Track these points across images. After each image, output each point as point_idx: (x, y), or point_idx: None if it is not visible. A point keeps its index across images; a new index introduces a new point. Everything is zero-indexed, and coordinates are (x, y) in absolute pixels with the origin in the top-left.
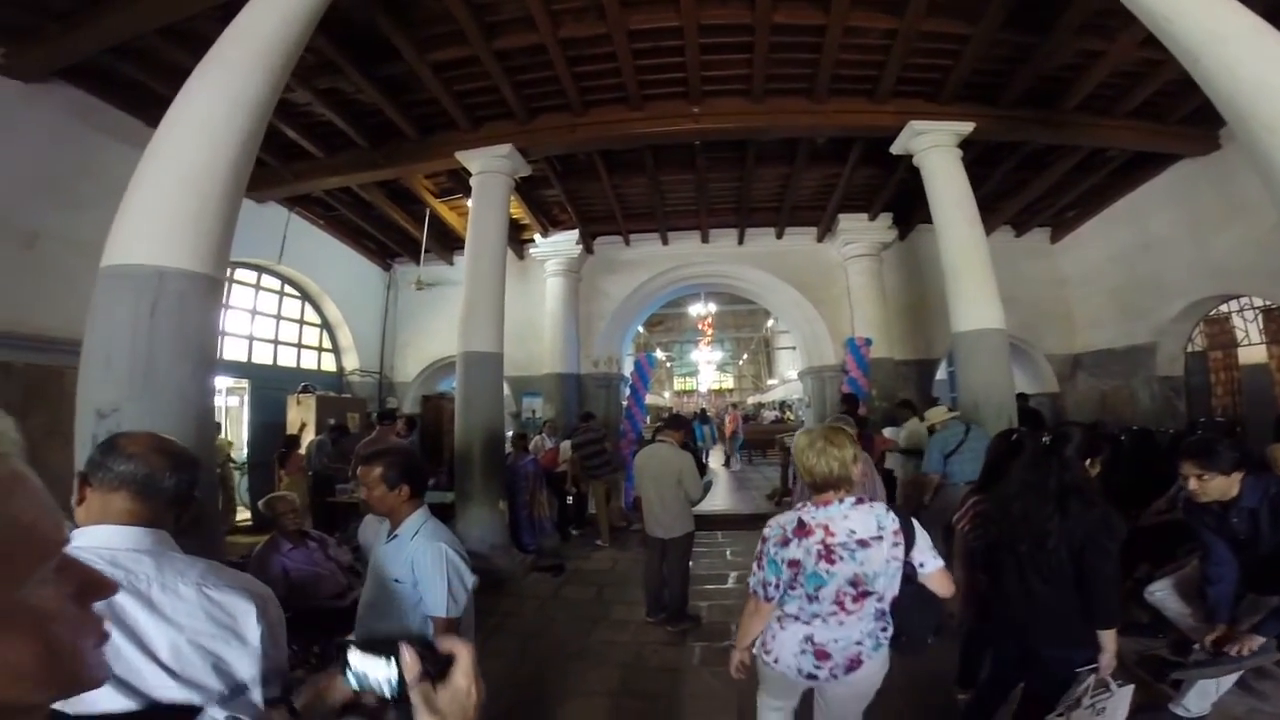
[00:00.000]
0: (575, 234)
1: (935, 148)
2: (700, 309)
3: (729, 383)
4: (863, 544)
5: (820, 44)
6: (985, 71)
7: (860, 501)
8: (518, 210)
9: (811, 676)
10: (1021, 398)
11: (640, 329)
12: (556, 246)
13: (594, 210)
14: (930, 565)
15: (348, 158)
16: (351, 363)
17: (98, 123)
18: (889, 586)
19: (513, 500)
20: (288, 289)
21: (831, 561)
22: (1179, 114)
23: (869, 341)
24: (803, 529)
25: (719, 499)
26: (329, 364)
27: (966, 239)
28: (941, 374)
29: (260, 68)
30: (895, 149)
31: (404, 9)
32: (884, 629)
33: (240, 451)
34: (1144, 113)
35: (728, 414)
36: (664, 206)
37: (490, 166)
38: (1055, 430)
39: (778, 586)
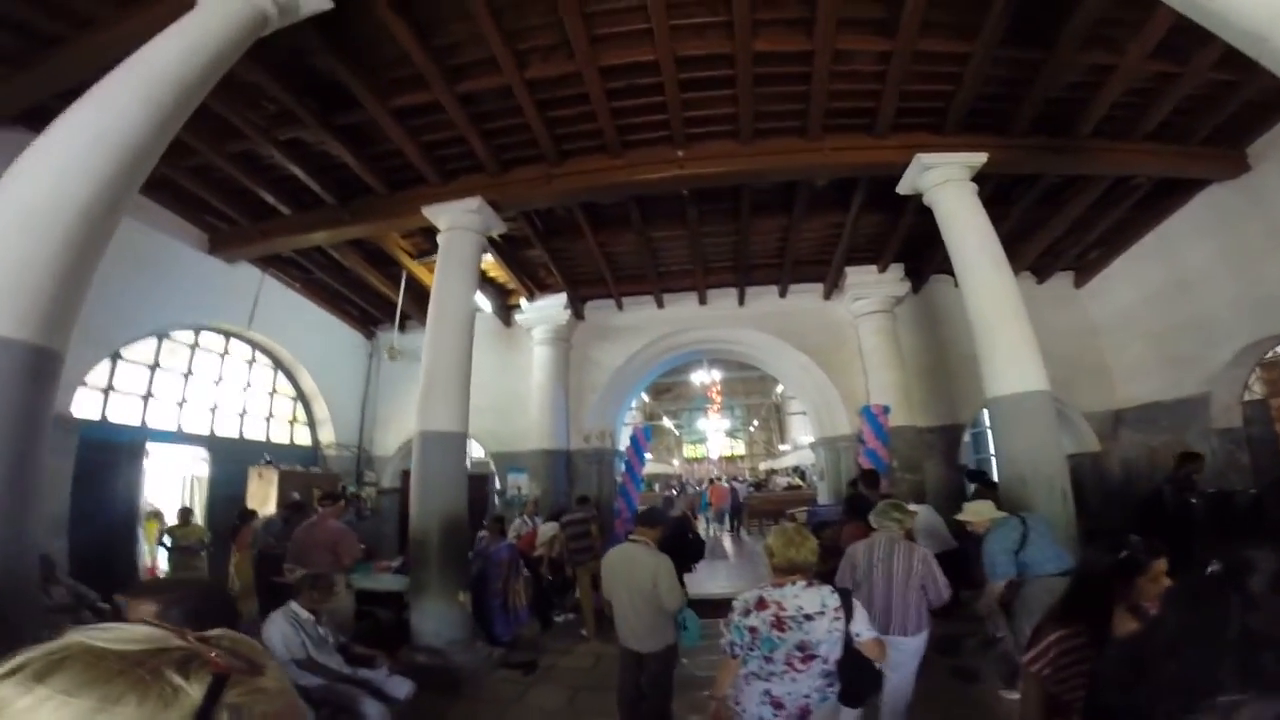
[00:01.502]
0: (563, 298)
1: (947, 183)
2: (704, 377)
3: (740, 449)
4: (808, 618)
5: (809, 73)
6: (991, 96)
7: (810, 584)
8: (501, 273)
9: None
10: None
11: (645, 397)
12: (543, 312)
13: (582, 271)
14: (865, 634)
15: (317, 216)
16: (328, 436)
17: None
18: (831, 651)
19: (485, 589)
20: (259, 356)
21: (782, 630)
22: (1200, 134)
23: (887, 410)
24: (761, 604)
25: (722, 579)
26: (303, 437)
27: (994, 286)
28: (965, 437)
29: (141, 102)
30: (902, 188)
31: (360, 53)
32: (830, 685)
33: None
34: (1164, 134)
35: (708, 487)
36: (656, 266)
37: (459, 222)
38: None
39: (741, 647)
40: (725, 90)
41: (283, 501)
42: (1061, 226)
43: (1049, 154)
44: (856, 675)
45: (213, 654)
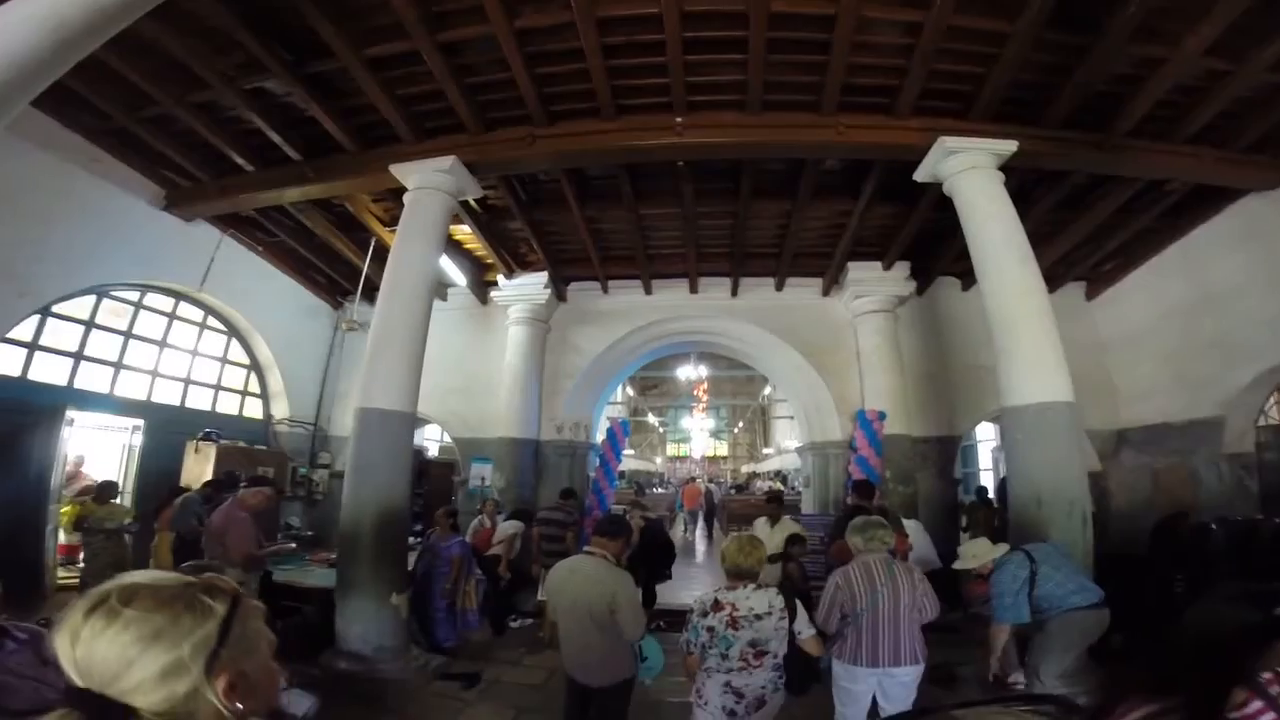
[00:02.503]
0: (544, 276)
1: (972, 170)
2: (690, 372)
3: (723, 450)
4: (758, 617)
5: (828, 41)
6: (1026, 84)
7: (759, 588)
8: (478, 246)
9: (732, 713)
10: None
11: (630, 391)
12: (522, 290)
13: (567, 249)
14: (805, 633)
15: (281, 173)
16: (281, 410)
17: None
18: (779, 647)
19: (430, 588)
20: (211, 322)
21: (736, 628)
22: (1245, 140)
23: (882, 416)
24: (717, 605)
25: (695, 585)
26: (255, 410)
27: (1019, 284)
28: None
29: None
30: (921, 175)
31: None
32: (780, 677)
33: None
34: (1206, 138)
35: (684, 489)
36: (647, 247)
37: (428, 182)
38: None
39: (698, 645)
40: (735, 54)
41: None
42: (1082, 232)
43: (1085, 149)
44: (799, 668)
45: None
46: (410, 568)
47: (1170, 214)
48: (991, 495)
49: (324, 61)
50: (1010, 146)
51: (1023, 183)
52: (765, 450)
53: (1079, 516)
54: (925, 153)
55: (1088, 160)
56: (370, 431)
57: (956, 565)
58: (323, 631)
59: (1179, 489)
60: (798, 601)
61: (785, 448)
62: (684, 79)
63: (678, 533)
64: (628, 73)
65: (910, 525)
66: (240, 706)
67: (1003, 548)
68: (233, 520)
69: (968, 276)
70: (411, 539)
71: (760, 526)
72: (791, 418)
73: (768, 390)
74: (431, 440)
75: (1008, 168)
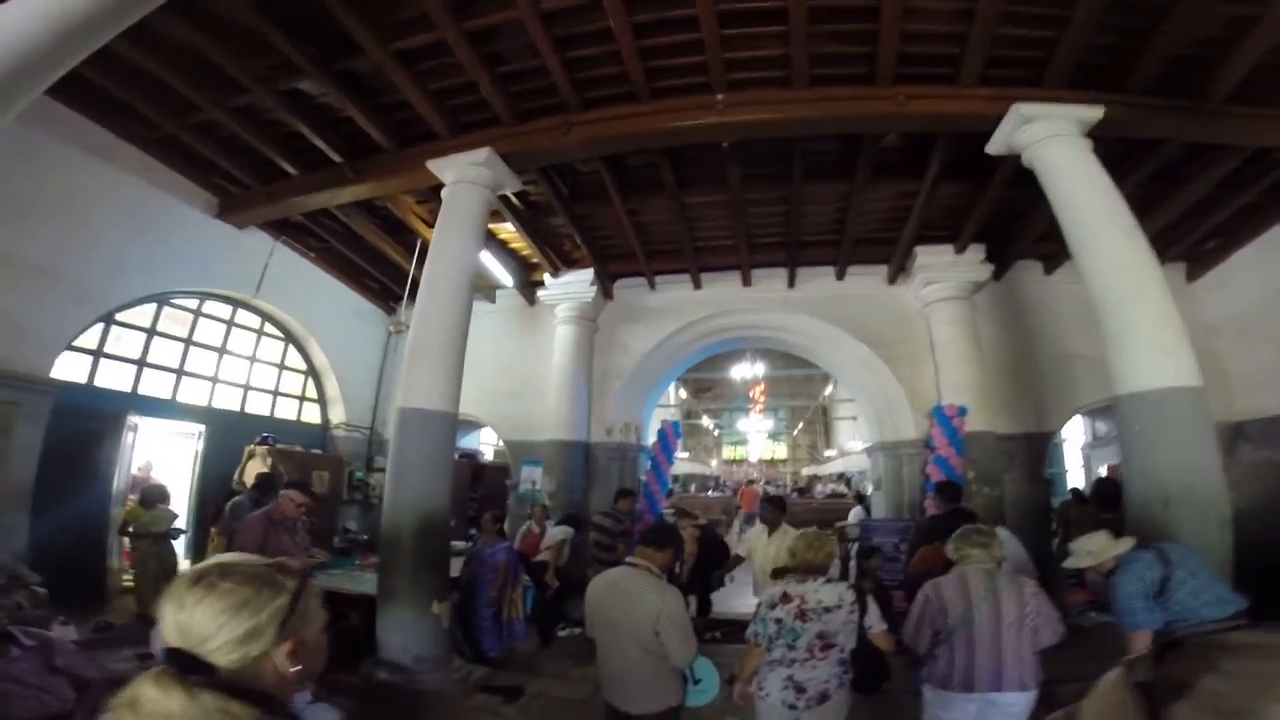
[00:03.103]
0: (590, 274)
1: (1054, 138)
2: (746, 371)
3: (781, 452)
4: (828, 610)
5: (876, 9)
6: (1102, 49)
7: (829, 581)
8: (523, 245)
9: (792, 707)
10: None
11: (684, 393)
12: (568, 289)
13: (612, 245)
14: (876, 627)
15: (323, 176)
16: (338, 415)
17: (49, 125)
18: (847, 641)
19: (475, 596)
20: (268, 328)
21: (805, 621)
22: None
23: (963, 411)
24: (786, 598)
25: (751, 593)
26: (312, 415)
27: (1126, 257)
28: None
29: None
30: (994, 147)
31: None
32: (845, 672)
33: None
34: None
35: (742, 490)
36: (694, 240)
37: (465, 176)
38: None
39: (765, 637)
40: (775, 26)
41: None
42: (1179, 209)
43: (1177, 117)
44: (869, 665)
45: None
46: (457, 574)
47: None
48: (1086, 495)
49: (354, 59)
50: (1095, 113)
51: (1107, 156)
52: (827, 452)
53: (1215, 519)
54: (997, 122)
55: (1181, 128)
56: (411, 433)
57: (1069, 564)
58: (368, 640)
59: None
60: (868, 597)
61: (848, 449)
62: (721, 56)
63: (733, 537)
64: (661, 52)
65: (1000, 533)
66: (297, 669)
67: (1127, 542)
68: (244, 525)
69: (1051, 259)
70: (463, 544)
71: (756, 536)
72: (855, 418)
73: (829, 390)
74: (487, 444)
75: (1090, 140)
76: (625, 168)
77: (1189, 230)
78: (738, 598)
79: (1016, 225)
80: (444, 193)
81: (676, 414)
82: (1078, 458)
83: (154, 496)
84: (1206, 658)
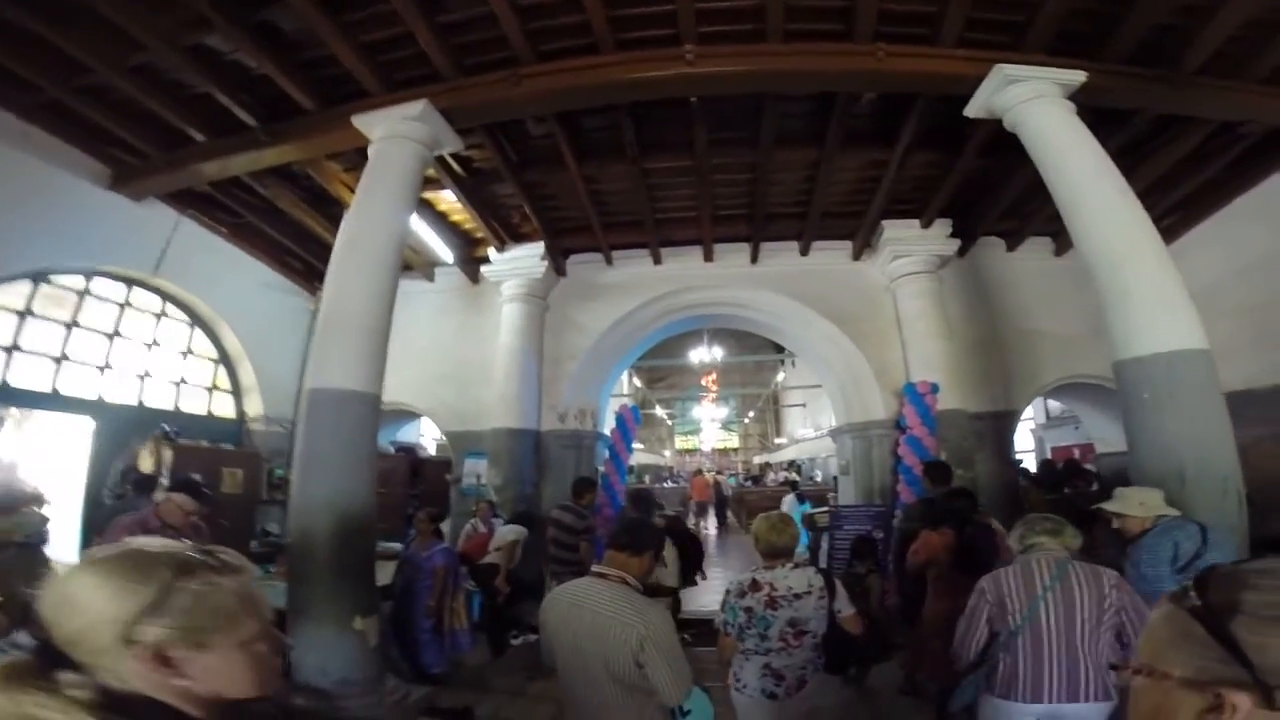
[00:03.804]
0: (540, 248)
1: (1039, 99)
2: (703, 355)
3: (734, 441)
4: (798, 596)
5: None
6: (1083, 13)
7: (796, 566)
8: (465, 217)
9: (772, 695)
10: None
11: (638, 383)
12: (516, 264)
13: (565, 217)
14: (845, 610)
15: (233, 141)
16: (255, 407)
17: None
18: (819, 626)
19: (411, 606)
20: (170, 310)
21: (775, 608)
22: None
23: (935, 388)
24: (755, 586)
25: (715, 588)
26: (226, 408)
27: (1122, 216)
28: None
29: None
30: (973, 109)
31: None
32: (819, 657)
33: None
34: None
35: (692, 479)
36: (655, 211)
37: (396, 131)
38: None
39: (735, 627)
40: None
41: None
42: (1142, 184)
43: (1156, 86)
44: (839, 648)
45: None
46: (388, 582)
47: (1242, 160)
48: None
49: (271, 9)
50: (1078, 77)
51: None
52: (778, 440)
53: (1234, 496)
54: (977, 85)
55: (1159, 98)
56: (323, 418)
57: (1112, 506)
58: (285, 659)
59: (1269, 465)
60: (836, 581)
61: (799, 436)
62: (693, 5)
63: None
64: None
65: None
66: (181, 682)
67: (1173, 510)
68: (111, 532)
69: (1013, 236)
70: (399, 547)
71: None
72: (804, 405)
73: (780, 377)
74: (429, 438)
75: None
76: (582, 130)
77: (1150, 206)
78: (707, 594)
79: (982, 201)
80: (370, 149)
81: (631, 403)
82: (1028, 440)
83: (12, 500)
84: (1241, 581)
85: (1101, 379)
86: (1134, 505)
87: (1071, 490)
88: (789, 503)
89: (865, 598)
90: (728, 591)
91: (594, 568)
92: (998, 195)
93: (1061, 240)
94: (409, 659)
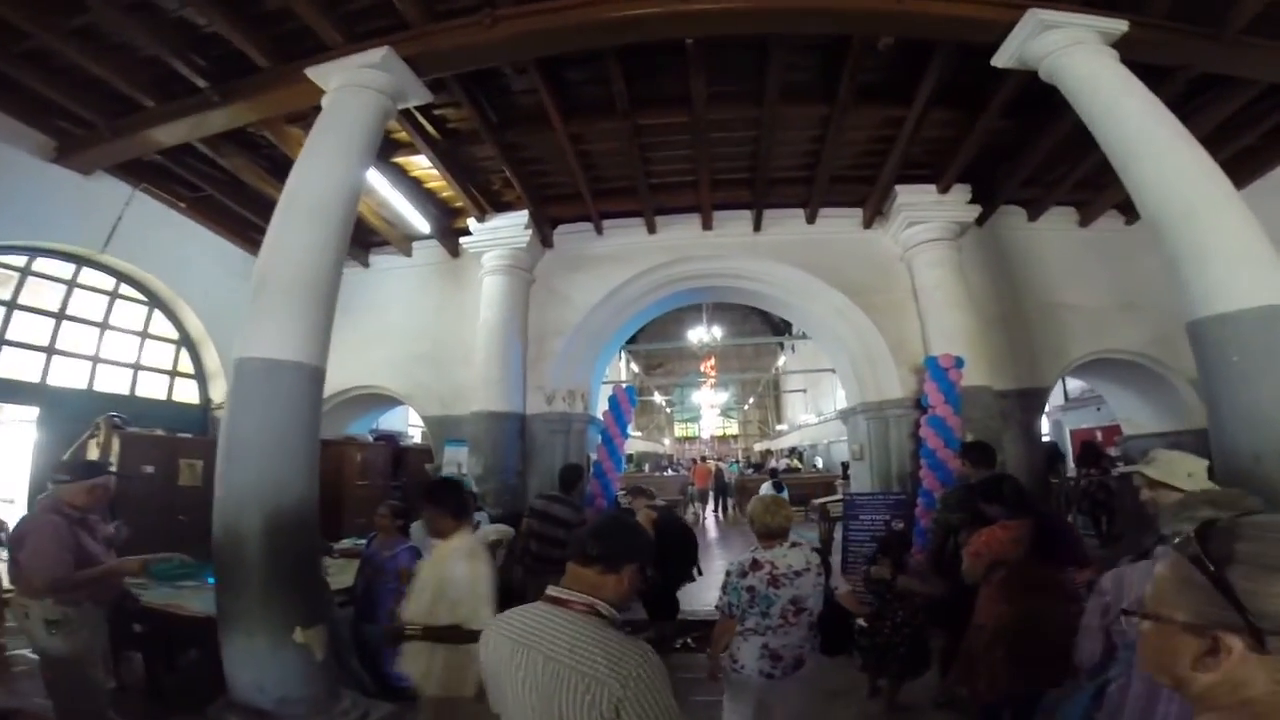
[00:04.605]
0: (525, 216)
1: (1078, 46)
2: (702, 335)
3: (733, 428)
4: (798, 574)
5: None
6: None
7: (794, 545)
8: (443, 185)
9: (769, 675)
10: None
11: (635, 368)
12: (498, 233)
13: (551, 183)
14: (842, 588)
15: (183, 105)
16: (220, 392)
17: None
18: (817, 605)
19: (371, 612)
20: (125, 290)
21: (777, 586)
22: None
23: (960, 362)
24: (756, 565)
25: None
26: (189, 393)
27: (1189, 163)
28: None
29: None
30: (1003, 58)
31: None
32: (815, 636)
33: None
34: None
35: (695, 467)
36: (648, 176)
37: (354, 80)
38: None
39: (738, 607)
40: None
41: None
42: None
43: (1196, 41)
44: (835, 627)
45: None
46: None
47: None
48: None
49: None
50: (1119, 26)
51: None
52: (779, 427)
53: None
54: (1006, 32)
55: (1198, 56)
56: (252, 394)
57: (1152, 472)
58: (219, 676)
59: None
60: (830, 561)
61: (800, 423)
62: None
63: (689, 517)
64: None
65: None
66: None
67: (1230, 492)
68: (33, 529)
69: (1034, 205)
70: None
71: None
72: (804, 390)
73: (781, 361)
74: (416, 426)
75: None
76: (568, 84)
77: None
78: (709, 590)
79: (1003, 165)
80: (324, 100)
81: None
82: (1043, 423)
83: None
84: (1238, 533)
85: (1135, 354)
86: (1181, 475)
87: (1086, 476)
88: (766, 489)
89: (900, 603)
90: (728, 573)
91: (550, 590)
92: (1020, 160)
93: (1086, 210)
94: (372, 670)
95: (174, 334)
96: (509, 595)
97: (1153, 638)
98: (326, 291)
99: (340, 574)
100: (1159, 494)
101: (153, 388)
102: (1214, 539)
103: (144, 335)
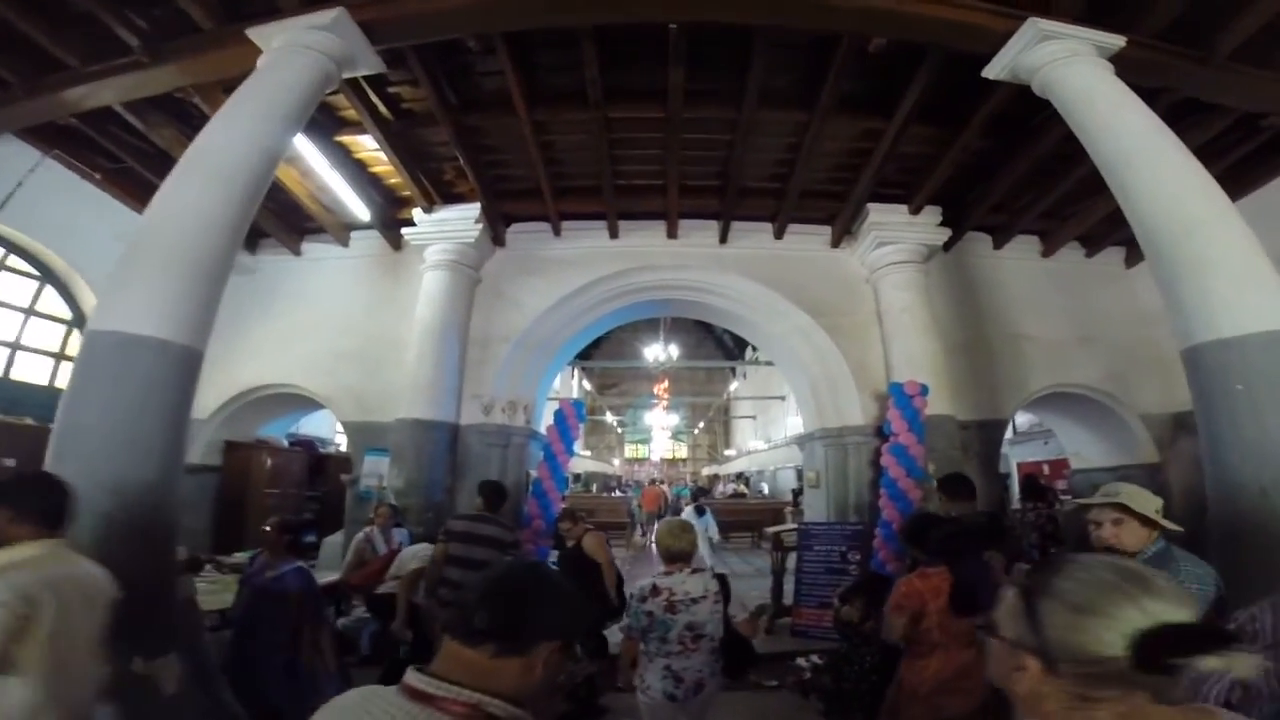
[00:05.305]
0: (476, 210)
1: (1075, 59)
2: (658, 352)
3: (682, 452)
4: (694, 601)
5: None
6: None
7: (694, 571)
8: (391, 171)
9: (672, 697)
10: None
11: (587, 385)
12: (444, 226)
13: (508, 176)
14: (739, 615)
15: (108, 65)
16: None
17: None
18: (716, 630)
19: (248, 641)
20: (15, 262)
21: (674, 612)
22: None
23: (925, 390)
24: (655, 591)
25: None
26: None
27: (1189, 178)
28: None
29: None
30: (995, 69)
31: None
32: (716, 661)
33: None
34: None
35: (645, 490)
36: (615, 176)
37: (298, 41)
38: None
39: (638, 630)
40: None
41: None
42: None
43: (1186, 64)
44: (736, 652)
45: None
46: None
47: (1257, 156)
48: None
49: None
50: (1117, 41)
51: None
52: (728, 452)
53: None
54: (1002, 42)
55: (1191, 79)
56: (99, 372)
57: (1122, 498)
58: None
59: None
60: (729, 585)
61: (748, 449)
62: None
63: (636, 540)
64: None
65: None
66: None
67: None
68: None
69: (1000, 232)
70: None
71: None
72: (754, 417)
73: (733, 386)
74: (342, 433)
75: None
76: (538, 68)
77: None
78: None
79: (977, 188)
80: (260, 60)
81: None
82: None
83: None
84: (1061, 568)
85: (1089, 388)
86: (1151, 509)
87: (1033, 510)
88: (688, 513)
89: (868, 647)
90: (630, 596)
91: (411, 676)
92: (991, 184)
93: (1050, 240)
94: (253, 702)
95: (66, 313)
96: (426, 643)
97: (993, 650)
98: (215, 266)
99: (224, 591)
100: (1125, 531)
101: (33, 371)
102: (1042, 571)
103: (30, 312)
